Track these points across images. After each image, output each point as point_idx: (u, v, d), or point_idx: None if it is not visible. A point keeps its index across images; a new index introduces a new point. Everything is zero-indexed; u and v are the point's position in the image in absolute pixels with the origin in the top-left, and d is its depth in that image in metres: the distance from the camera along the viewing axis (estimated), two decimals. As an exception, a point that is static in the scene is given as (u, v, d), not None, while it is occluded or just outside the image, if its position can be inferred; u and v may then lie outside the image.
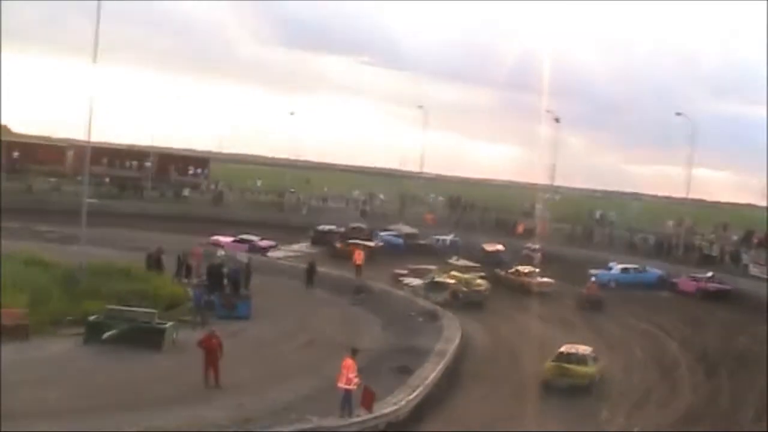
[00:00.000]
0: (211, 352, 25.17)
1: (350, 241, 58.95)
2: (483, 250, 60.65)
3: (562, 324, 40.72)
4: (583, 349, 30.87)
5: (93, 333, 29.14)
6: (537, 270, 52.04)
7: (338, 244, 59.40)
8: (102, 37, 37.54)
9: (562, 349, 30.75)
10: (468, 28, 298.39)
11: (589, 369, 29.68)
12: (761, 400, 29.46)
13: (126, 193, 79.54)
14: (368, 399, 22.60)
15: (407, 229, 67.66)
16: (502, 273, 52.07)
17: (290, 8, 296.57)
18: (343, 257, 54.08)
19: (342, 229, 65.53)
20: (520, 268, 52.55)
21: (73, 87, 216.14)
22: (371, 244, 59.00)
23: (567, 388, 28.81)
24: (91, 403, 22.40)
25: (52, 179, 78.02)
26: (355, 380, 22.54)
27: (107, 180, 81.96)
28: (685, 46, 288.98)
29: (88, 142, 39.84)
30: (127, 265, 39.36)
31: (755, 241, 62.08)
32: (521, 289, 49.11)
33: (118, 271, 38.13)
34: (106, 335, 28.90)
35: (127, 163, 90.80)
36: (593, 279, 50.29)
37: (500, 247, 61.24)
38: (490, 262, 55.49)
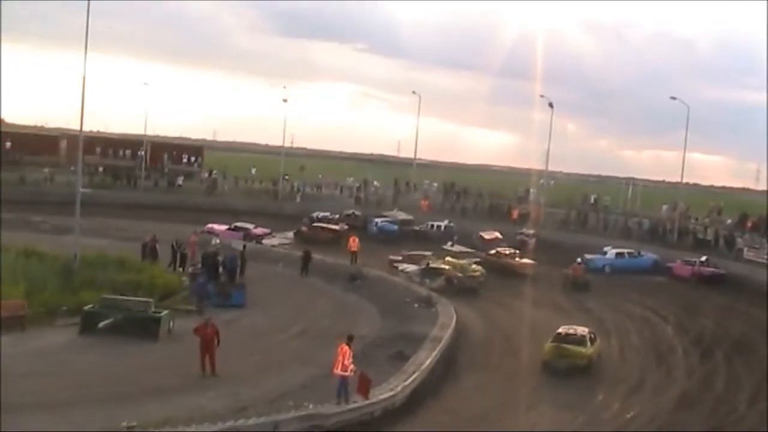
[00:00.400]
0: (207, 340, 25.17)
1: (315, 224, 60.41)
2: (481, 238, 59.28)
3: (555, 309, 40.70)
4: (581, 330, 31.37)
5: (89, 323, 29.16)
6: (518, 251, 52.53)
7: (304, 228, 59.93)
8: (94, 27, 37.44)
9: (561, 330, 31.27)
10: (463, 14, 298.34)
11: (588, 350, 30.12)
12: (757, 382, 29.64)
13: (119, 182, 79.42)
14: (364, 385, 22.65)
15: (403, 216, 67.41)
16: (483, 254, 52.18)
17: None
18: (310, 241, 54.27)
19: (336, 216, 65.78)
20: (501, 249, 52.86)
21: (66, 78, 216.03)
22: (336, 227, 59.89)
23: (566, 367, 29.23)
24: (88, 394, 22.42)
25: (46, 170, 77.78)
26: (351, 367, 22.57)
27: (101, 169, 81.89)
28: (680, 32, 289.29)
29: (81, 131, 39.80)
30: (122, 255, 39.36)
31: (749, 225, 62.10)
32: (503, 271, 49.17)
33: (112, 261, 38.16)
34: (101, 325, 28.91)
35: (121, 153, 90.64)
36: (579, 260, 50.23)
37: (498, 235, 60.05)
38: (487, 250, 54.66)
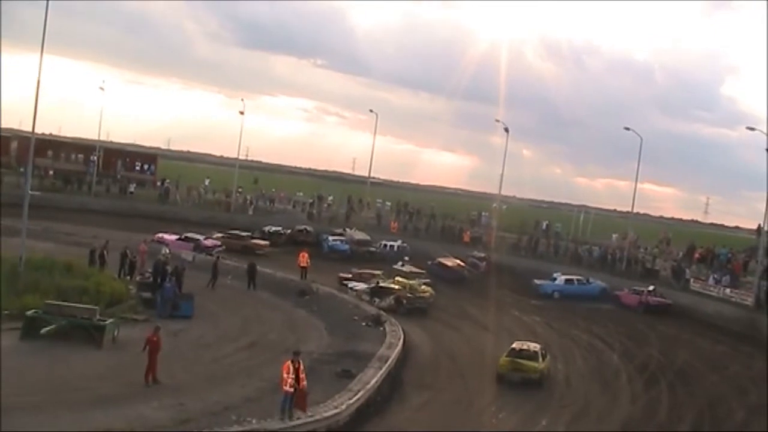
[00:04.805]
0: (152, 349, 24.85)
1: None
2: (440, 264, 57.12)
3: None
4: (534, 346, 33.28)
5: (31, 328, 28.53)
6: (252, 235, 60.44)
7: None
8: (52, 29, 36.85)
9: (515, 345, 33.13)
10: (425, 35, 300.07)
11: (540, 364, 31.82)
12: (699, 411, 30.17)
13: (70, 186, 78.33)
14: (302, 399, 22.46)
15: (360, 235, 66.09)
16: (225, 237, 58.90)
17: (247, 8, 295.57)
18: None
19: (288, 231, 65.38)
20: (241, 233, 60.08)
21: (20, 77, 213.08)
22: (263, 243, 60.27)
23: (520, 380, 30.83)
24: (29, 401, 21.80)
25: (-6, 170, 76.35)
26: (290, 382, 22.26)
27: (51, 173, 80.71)
28: (639, 63, 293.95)
29: (33, 133, 39.21)
30: (69, 261, 38.72)
31: (697, 256, 62.91)
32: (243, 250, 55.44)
33: (59, 265, 37.46)
34: (44, 331, 28.33)
35: (73, 156, 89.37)
36: (470, 259, 58.88)
37: (460, 262, 58.12)
38: (449, 279, 54.01)
